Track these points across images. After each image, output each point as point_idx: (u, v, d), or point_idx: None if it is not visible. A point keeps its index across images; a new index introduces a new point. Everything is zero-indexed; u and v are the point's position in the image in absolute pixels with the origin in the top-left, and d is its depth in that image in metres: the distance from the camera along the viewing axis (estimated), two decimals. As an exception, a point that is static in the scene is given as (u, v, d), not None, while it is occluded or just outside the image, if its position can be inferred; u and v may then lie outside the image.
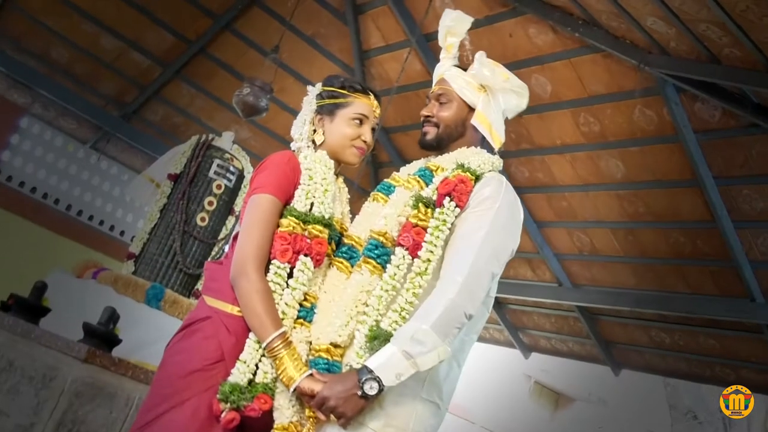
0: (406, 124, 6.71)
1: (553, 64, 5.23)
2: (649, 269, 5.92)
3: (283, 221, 1.89)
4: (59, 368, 2.80)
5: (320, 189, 1.95)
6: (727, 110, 4.56)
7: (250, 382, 1.78)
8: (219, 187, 3.99)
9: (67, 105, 6.49)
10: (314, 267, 1.89)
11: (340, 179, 2.16)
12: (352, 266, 1.93)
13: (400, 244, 1.85)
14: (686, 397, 8.50)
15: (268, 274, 1.85)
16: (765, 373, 5.89)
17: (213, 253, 4.02)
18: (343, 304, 1.84)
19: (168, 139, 6.59)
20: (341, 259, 1.96)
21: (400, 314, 1.78)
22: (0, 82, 6.25)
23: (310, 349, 1.84)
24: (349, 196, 2.18)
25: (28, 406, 2.78)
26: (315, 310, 1.90)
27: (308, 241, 1.88)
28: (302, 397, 1.76)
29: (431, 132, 2.07)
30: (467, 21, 2.13)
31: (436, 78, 2.15)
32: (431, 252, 1.82)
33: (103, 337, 2.95)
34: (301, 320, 1.86)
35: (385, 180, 2.10)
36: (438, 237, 1.83)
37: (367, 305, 1.81)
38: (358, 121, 2.06)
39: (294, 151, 2.07)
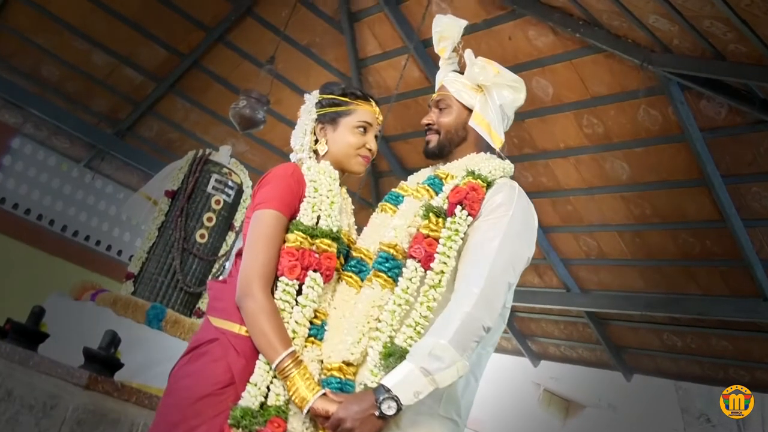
0: (407, 132, 6.66)
1: (554, 66, 5.20)
2: (657, 271, 5.86)
3: (290, 236, 1.82)
4: (60, 396, 2.76)
5: (326, 201, 1.89)
6: (733, 107, 4.52)
7: (262, 405, 1.70)
8: (218, 202, 3.97)
9: (60, 124, 6.44)
10: (324, 283, 1.83)
11: (344, 189, 2.09)
12: (362, 280, 1.88)
13: (411, 256, 1.80)
14: (698, 401, 8.47)
15: (276, 292, 1.79)
16: (780, 373, 5.82)
17: (214, 270, 4.00)
18: (354, 320, 1.79)
19: (163, 156, 6.53)
20: (350, 274, 1.90)
21: (414, 329, 1.73)
22: (-10, 102, 6.20)
23: (321, 368, 1.78)
24: (353, 207, 2.12)
25: (29, 437, 2.73)
26: (326, 327, 1.84)
27: (317, 256, 1.82)
28: (316, 419, 1.69)
29: (433, 140, 2.04)
30: (460, 25, 2.10)
31: (437, 85, 2.13)
32: (444, 263, 1.77)
33: (104, 362, 2.90)
34: (312, 338, 1.81)
35: (393, 190, 2.07)
36: (451, 247, 1.78)
37: (380, 321, 1.76)
38: (362, 129, 2.01)
39: (296, 162, 2.00)
